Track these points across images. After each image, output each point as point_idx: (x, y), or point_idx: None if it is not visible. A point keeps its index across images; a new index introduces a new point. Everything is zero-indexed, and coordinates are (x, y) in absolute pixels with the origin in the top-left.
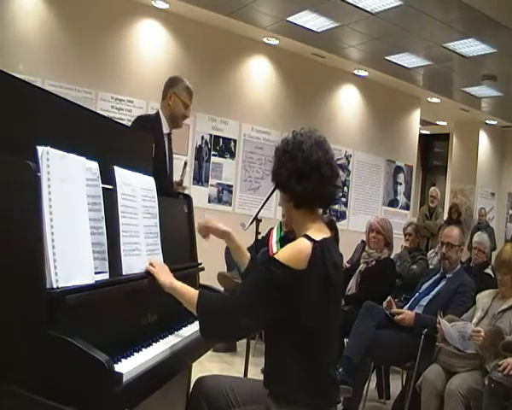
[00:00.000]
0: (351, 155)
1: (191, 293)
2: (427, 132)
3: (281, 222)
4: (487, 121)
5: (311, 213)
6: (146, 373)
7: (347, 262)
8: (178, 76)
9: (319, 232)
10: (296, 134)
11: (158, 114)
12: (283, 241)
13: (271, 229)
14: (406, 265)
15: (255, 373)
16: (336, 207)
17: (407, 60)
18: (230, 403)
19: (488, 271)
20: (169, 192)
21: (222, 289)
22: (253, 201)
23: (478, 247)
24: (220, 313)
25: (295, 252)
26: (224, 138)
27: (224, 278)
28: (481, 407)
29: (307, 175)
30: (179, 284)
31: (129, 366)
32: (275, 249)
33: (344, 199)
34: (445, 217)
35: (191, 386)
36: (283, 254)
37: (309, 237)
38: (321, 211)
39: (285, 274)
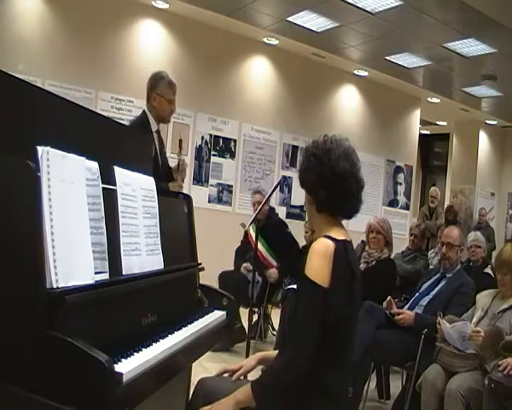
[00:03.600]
0: None
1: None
2: (427, 132)
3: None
4: (487, 121)
5: (332, 218)
6: (146, 373)
7: None
8: (158, 73)
9: (340, 234)
10: (327, 139)
11: (144, 113)
12: (264, 231)
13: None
14: (403, 261)
15: (255, 374)
16: None
17: (407, 60)
18: None
19: (488, 271)
20: (164, 188)
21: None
22: None
23: (473, 243)
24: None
25: (321, 258)
26: (224, 138)
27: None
28: (481, 407)
29: (332, 184)
30: (239, 395)
31: (129, 366)
32: (271, 260)
33: None
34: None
35: (192, 387)
36: (312, 268)
37: (330, 237)
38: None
39: (319, 294)
